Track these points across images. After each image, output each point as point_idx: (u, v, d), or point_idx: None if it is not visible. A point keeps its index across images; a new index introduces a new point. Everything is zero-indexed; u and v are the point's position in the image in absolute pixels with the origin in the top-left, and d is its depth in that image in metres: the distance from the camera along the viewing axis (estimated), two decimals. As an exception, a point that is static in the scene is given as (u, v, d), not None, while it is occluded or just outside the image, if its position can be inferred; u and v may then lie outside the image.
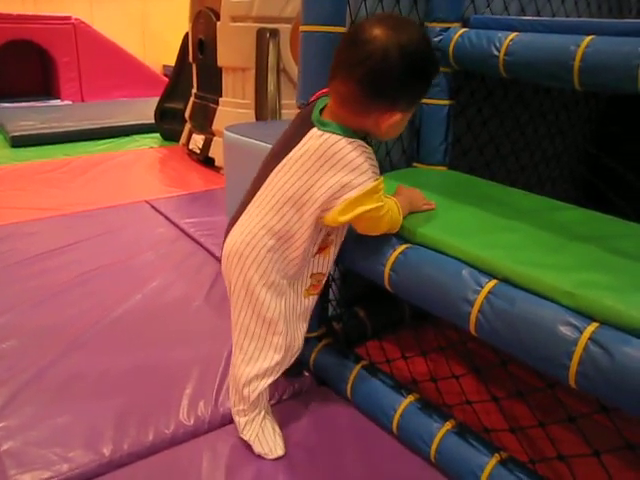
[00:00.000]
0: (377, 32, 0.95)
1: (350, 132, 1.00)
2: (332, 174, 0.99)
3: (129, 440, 1.18)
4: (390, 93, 0.98)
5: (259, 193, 1.07)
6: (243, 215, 1.07)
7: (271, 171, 1.05)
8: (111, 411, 1.27)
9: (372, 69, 0.95)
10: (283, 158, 1.04)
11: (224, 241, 1.10)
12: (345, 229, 1.13)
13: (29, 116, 4.30)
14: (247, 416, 1.16)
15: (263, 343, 1.10)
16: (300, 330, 1.16)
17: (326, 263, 1.15)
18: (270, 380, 1.13)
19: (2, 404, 1.27)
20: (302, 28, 1.24)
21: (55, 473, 1.10)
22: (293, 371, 1.36)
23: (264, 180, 1.06)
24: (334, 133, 1.00)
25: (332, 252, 1.14)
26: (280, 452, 1.15)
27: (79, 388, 1.35)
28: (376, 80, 0.96)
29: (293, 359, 1.17)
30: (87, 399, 1.31)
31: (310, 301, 1.17)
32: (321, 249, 1.12)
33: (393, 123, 1.01)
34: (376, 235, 1.10)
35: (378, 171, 1.03)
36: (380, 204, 1.02)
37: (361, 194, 0.99)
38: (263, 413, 1.17)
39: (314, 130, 1.02)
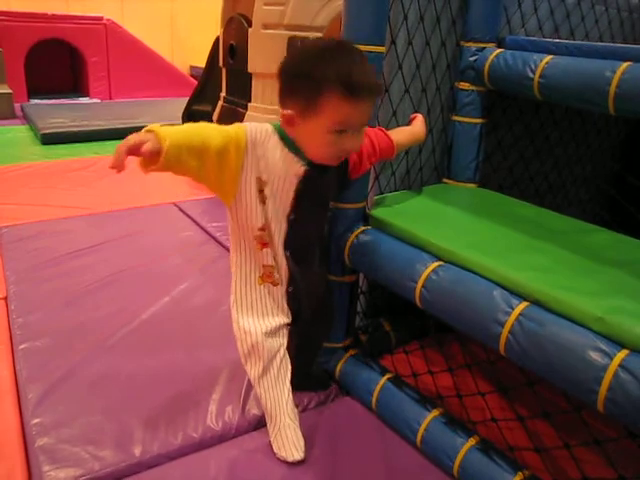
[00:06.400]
0: None
1: (281, 132, 1.10)
2: None
3: (158, 442, 1.21)
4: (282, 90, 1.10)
5: None
6: None
7: None
8: (140, 412, 1.30)
9: None
10: None
11: None
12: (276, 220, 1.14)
13: (59, 113, 4.37)
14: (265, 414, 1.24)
15: None
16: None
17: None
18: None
19: (37, 400, 1.31)
20: None
21: (87, 471, 1.13)
22: (321, 385, 1.38)
23: None
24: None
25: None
26: (297, 456, 1.17)
27: (109, 388, 1.38)
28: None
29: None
30: (117, 399, 1.34)
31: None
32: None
33: (291, 121, 1.06)
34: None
35: (244, 129, 1.07)
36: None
37: None
38: (281, 416, 1.19)
39: None
